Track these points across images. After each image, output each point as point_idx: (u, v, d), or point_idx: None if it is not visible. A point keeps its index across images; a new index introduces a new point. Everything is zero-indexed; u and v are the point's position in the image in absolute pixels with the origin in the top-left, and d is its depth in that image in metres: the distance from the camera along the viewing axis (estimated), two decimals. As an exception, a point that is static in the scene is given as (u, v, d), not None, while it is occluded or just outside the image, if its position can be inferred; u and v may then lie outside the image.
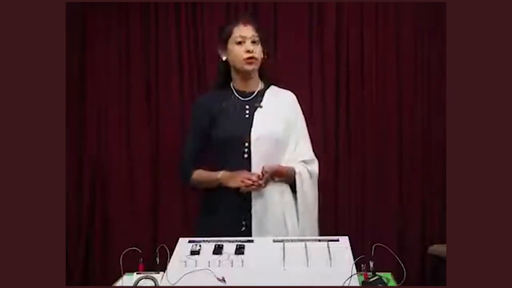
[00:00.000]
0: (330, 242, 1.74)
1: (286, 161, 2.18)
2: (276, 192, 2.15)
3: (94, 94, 3.86)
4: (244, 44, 2.18)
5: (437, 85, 3.78)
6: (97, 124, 3.87)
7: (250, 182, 2.07)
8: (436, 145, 3.81)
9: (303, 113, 2.31)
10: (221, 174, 2.15)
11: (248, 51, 2.17)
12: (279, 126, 2.18)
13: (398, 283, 1.68)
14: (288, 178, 2.17)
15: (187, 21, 3.84)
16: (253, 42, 2.19)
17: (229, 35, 2.21)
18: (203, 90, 3.59)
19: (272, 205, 2.12)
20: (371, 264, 1.65)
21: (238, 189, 2.10)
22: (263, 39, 2.24)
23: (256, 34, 2.20)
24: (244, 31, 2.19)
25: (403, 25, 3.84)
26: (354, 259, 1.64)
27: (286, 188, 2.17)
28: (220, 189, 2.14)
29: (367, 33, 3.83)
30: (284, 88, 2.32)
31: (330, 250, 1.69)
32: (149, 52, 3.86)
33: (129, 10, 3.86)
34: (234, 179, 2.10)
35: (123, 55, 3.87)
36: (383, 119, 3.82)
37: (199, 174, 2.23)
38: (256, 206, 2.11)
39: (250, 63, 2.18)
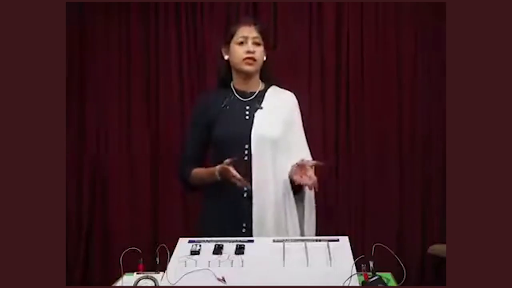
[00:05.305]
0: (330, 242, 1.73)
1: (286, 163, 2.16)
2: (277, 193, 2.14)
3: (94, 94, 3.87)
4: (245, 45, 2.17)
5: (437, 85, 3.77)
6: (97, 124, 3.87)
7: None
8: (436, 145, 3.81)
9: (302, 115, 2.30)
10: (219, 169, 2.07)
11: (248, 52, 2.16)
12: (279, 128, 2.16)
13: (398, 283, 1.68)
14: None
15: (187, 21, 3.84)
16: (255, 43, 2.18)
17: (232, 35, 2.20)
18: (203, 90, 3.59)
19: (272, 206, 2.11)
20: (371, 264, 1.65)
21: (238, 189, 2.09)
22: (267, 41, 2.23)
23: (259, 36, 2.19)
24: (247, 32, 2.18)
25: (403, 25, 3.84)
26: (354, 259, 1.64)
27: (287, 189, 2.16)
28: (220, 189, 2.13)
29: (367, 33, 3.83)
30: (285, 89, 2.30)
31: (330, 250, 1.69)
32: (149, 52, 3.86)
33: (129, 10, 3.86)
34: (229, 179, 2.04)
35: (123, 55, 3.87)
36: (383, 119, 3.82)
37: (198, 171, 2.21)
38: (257, 206, 2.10)
39: (250, 64, 2.17)
